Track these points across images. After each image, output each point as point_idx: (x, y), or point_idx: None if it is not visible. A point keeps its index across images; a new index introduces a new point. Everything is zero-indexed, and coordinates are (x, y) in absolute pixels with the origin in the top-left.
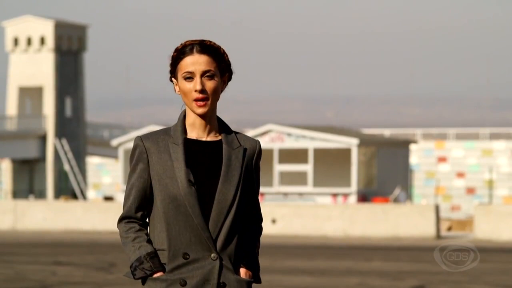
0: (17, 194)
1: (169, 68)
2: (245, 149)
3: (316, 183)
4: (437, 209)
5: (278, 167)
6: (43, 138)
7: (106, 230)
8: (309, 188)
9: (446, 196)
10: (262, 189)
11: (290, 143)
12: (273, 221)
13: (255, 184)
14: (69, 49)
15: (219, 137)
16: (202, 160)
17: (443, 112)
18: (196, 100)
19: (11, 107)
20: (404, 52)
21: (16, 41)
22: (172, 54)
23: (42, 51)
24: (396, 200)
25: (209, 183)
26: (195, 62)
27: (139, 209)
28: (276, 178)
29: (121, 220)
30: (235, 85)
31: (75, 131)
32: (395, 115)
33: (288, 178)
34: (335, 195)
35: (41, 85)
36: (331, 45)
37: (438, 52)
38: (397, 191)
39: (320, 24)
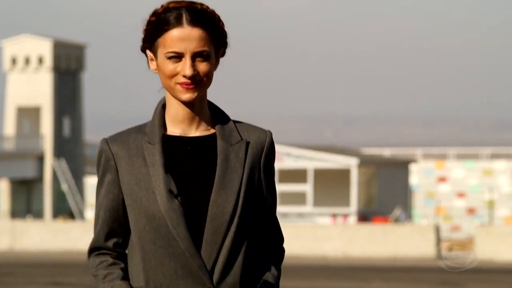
0: (14, 214)
1: (141, 35)
2: (247, 143)
3: (316, 203)
4: (437, 229)
5: (277, 187)
6: (41, 158)
7: None
8: (308, 208)
9: (446, 217)
10: None
11: (289, 163)
12: None
13: (265, 191)
14: (68, 68)
15: (213, 131)
16: (189, 163)
17: (443, 132)
18: (182, 83)
19: (9, 127)
20: (404, 72)
21: (14, 61)
22: (149, 17)
23: (40, 71)
24: (396, 220)
25: (199, 193)
26: (185, 38)
27: (110, 235)
28: None
29: (90, 252)
30: (232, 104)
31: (73, 151)
32: (395, 135)
33: (288, 198)
34: (334, 215)
35: (39, 105)
36: (330, 64)
37: (438, 72)
38: (397, 211)
39: (320, 43)
